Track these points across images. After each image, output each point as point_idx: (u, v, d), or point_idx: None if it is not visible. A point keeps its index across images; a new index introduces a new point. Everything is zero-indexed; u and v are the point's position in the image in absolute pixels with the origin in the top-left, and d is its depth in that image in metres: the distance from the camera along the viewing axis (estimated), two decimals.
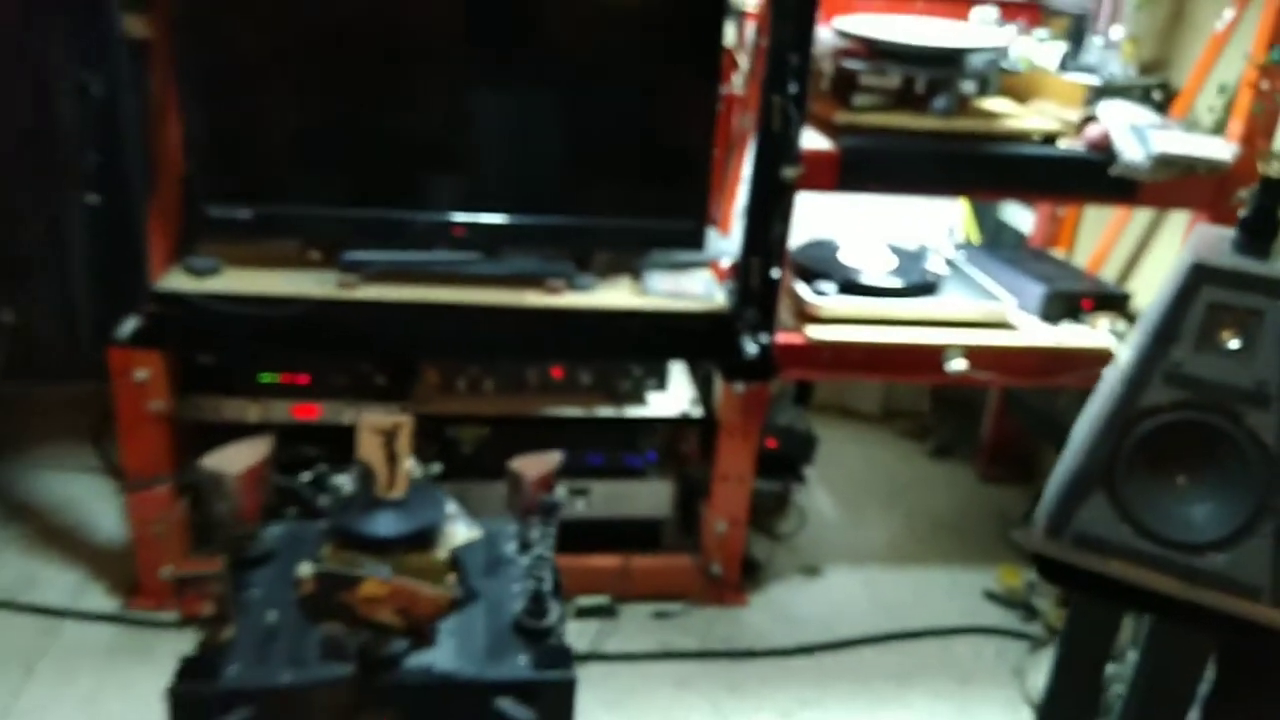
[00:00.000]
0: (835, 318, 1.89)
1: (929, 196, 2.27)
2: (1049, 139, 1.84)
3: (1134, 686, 1.26)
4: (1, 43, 2.28)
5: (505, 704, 1.22)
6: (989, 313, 1.95)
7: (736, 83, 1.99)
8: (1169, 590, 1.11)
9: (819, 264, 2.00)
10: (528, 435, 1.65)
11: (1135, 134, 1.80)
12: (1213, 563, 1.09)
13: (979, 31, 1.97)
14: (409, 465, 1.28)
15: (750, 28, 1.92)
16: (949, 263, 2.11)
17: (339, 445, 1.40)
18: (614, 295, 1.85)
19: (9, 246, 2.46)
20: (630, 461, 2.04)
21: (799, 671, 1.93)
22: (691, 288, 1.89)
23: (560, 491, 1.42)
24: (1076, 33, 2.07)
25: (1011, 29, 2.02)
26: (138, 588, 1.92)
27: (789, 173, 1.68)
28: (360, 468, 1.26)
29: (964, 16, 2.04)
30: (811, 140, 1.77)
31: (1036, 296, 2.01)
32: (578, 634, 1.90)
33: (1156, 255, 2.15)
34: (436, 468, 1.37)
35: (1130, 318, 1.97)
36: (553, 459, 1.41)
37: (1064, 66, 2.03)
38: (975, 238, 2.53)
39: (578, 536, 1.64)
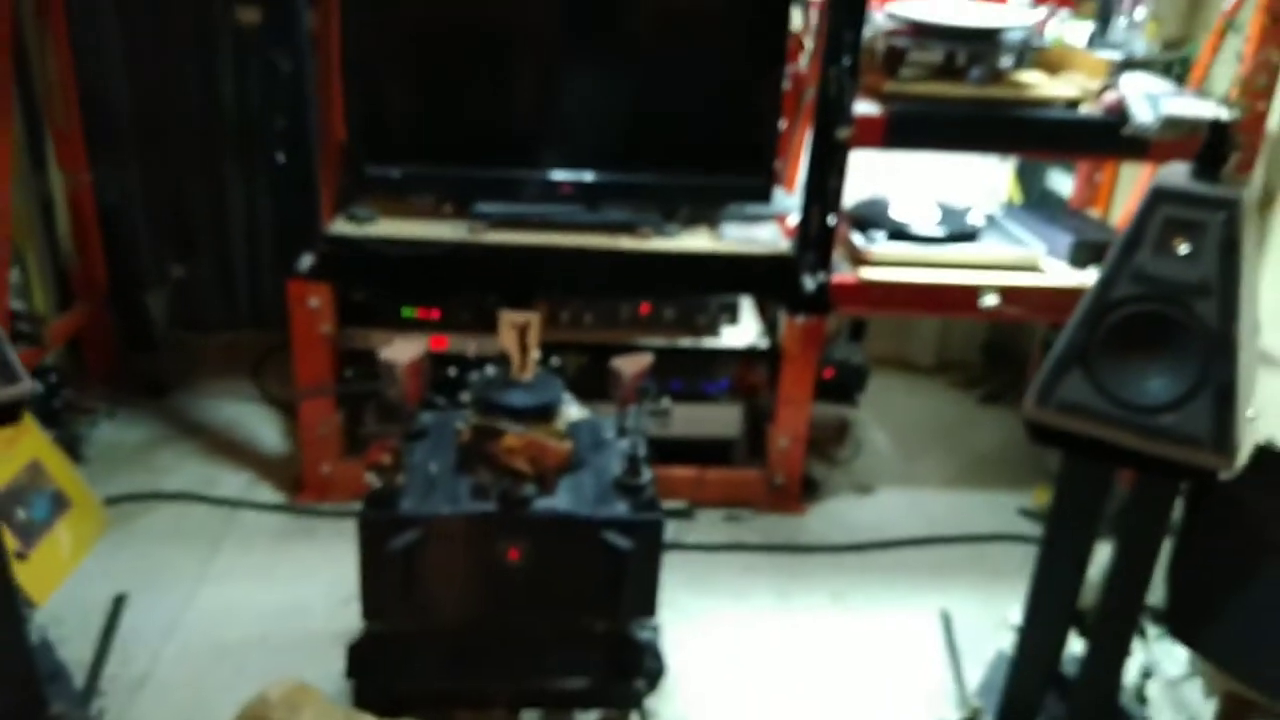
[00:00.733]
0: (884, 261, 2.20)
1: (963, 153, 2.54)
2: (1071, 105, 2.13)
3: (1117, 531, 1.55)
4: (175, 34, 2.71)
5: (611, 535, 1.58)
6: (1021, 257, 2.24)
7: (803, 62, 2.32)
8: (1132, 445, 1.41)
9: (872, 217, 2.32)
10: None
11: (1148, 100, 2.08)
12: (1166, 421, 1.39)
13: (1013, 12, 2.26)
14: (536, 355, 1.64)
15: (814, 14, 2.25)
16: (990, 218, 2.41)
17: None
18: (694, 241, 2.20)
19: (179, 213, 2.90)
20: (706, 387, 2.37)
21: (849, 565, 2.25)
22: (760, 236, 2.23)
23: (651, 391, 1.77)
24: (1104, 13, 2.34)
25: (1044, 10, 2.31)
26: (301, 483, 2.33)
27: (843, 133, 2.00)
28: (499, 355, 1.63)
29: (1002, 0, 2.33)
30: (863, 107, 2.08)
31: (1065, 245, 2.29)
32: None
33: None
34: (556, 360, 1.73)
35: None
36: (646, 358, 1.76)
37: (1091, 43, 2.31)
38: (1018, 199, 2.80)
39: (660, 451, 1.92)
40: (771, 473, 2.37)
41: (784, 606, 2.10)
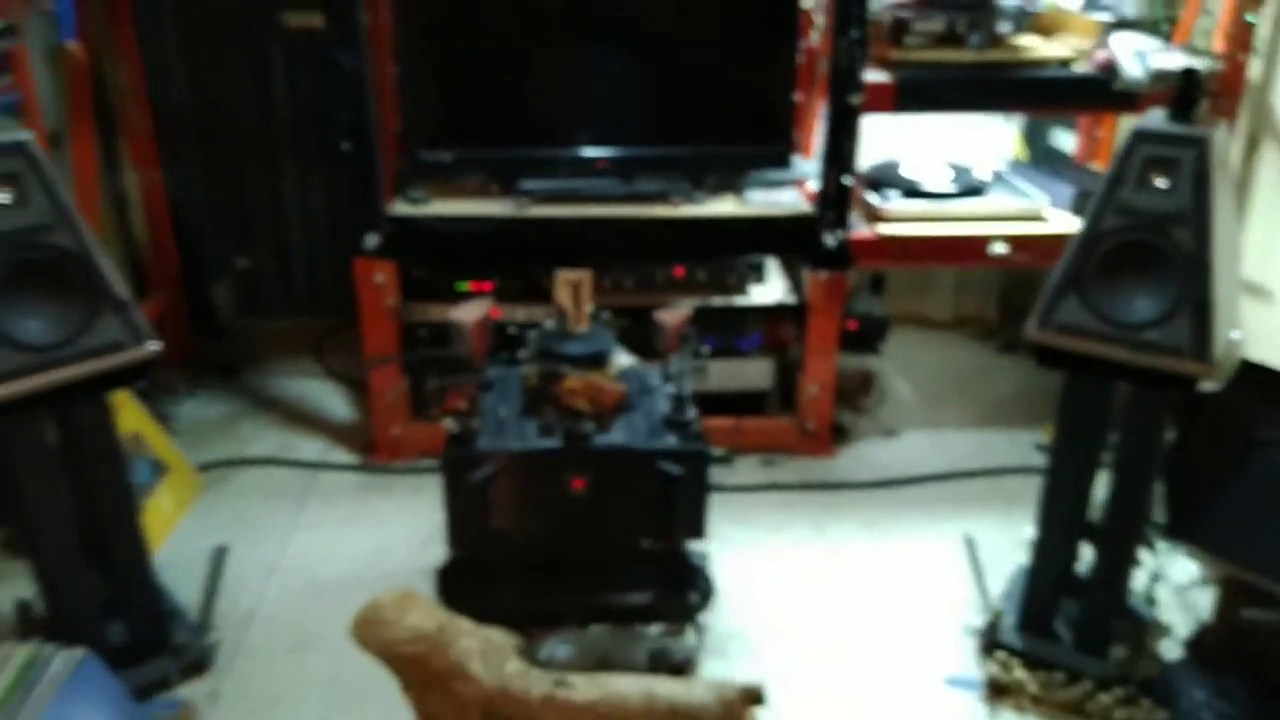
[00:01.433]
0: (898, 217, 2.39)
1: (967, 114, 2.72)
2: (1064, 64, 2.30)
3: (1120, 446, 1.73)
4: (231, 39, 2.93)
5: (665, 464, 1.78)
6: (1026, 208, 2.42)
7: (815, 37, 2.51)
8: (1122, 358, 1.59)
9: (886, 178, 2.50)
10: None
11: (1137, 56, 2.25)
12: (1151, 336, 1.57)
13: None
14: (589, 309, 1.85)
15: None
16: (997, 174, 2.58)
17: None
18: (721, 207, 2.39)
19: (240, 207, 3.13)
20: (739, 343, 2.56)
21: (878, 499, 2.44)
22: (782, 199, 2.42)
23: (691, 339, 1.97)
24: None
25: None
26: (373, 445, 2.55)
27: (854, 99, 2.19)
28: (556, 309, 1.84)
29: None
30: (873, 75, 2.26)
31: (1067, 196, 2.47)
32: None
33: None
34: (606, 314, 1.93)
35: None
36: (686, 310, 1.96)
37: (1084, 7, 2.48)
38: (1024, 157, 2.97)
39: (698, 404, 2.05)
40: (803, 419, 2.57)
41: (819, 536, 2.30)
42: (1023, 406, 2.85)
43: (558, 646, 1.68)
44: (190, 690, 1.84)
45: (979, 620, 1.97)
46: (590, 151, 2.38)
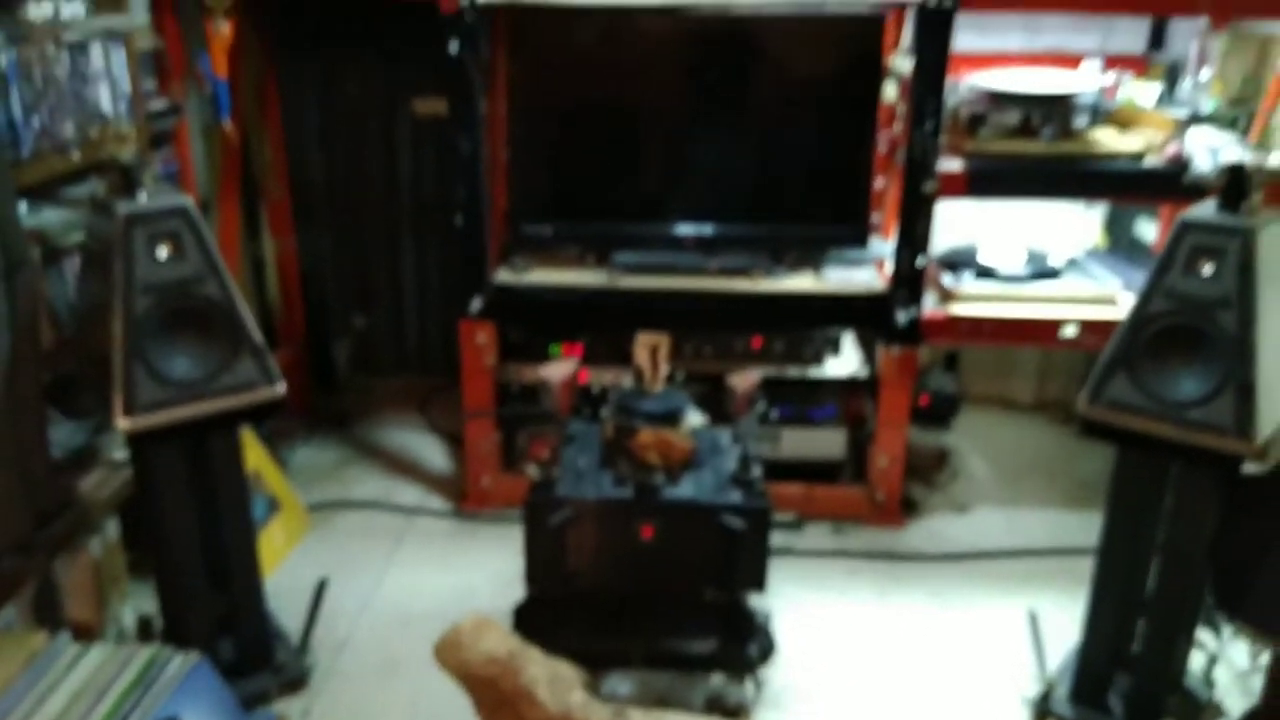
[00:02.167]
0: (970, 297, 2.49)
1: (1036, 201, 2.81)
2: (1136, 157, 2.39)
3: (1170, 523, 1.78)
4: (363, 122, 3.24)
5: (728, 518, 1.90)
6: (1097, 293, 2.49)
7: (896, 127, 2.66)
8: (1167, 435, 1.66)
9: (962, 260, 2.61)
10: None
11: (1210, 151, 2.33)
12: (1197, 414, 1.64)
13: (1083, 78, 2.55)
14: (665, 370, 2.00)
15: (904, 88, 2.59)
16: (1073, 260, 2.66)
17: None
18: (800, 282, 2.54)
19: (362, 272, 3.42)
20: (813, 413, 2.68)
21: (945, 571, 2.50)
22: (858, 277, 2.55)
23: (760, 402, 2.10)
24: (1171, 75, 2.60)
25: (1114, 74, 2.59)
26: (465, 495, 2.74)
27: (928, 186, 2.32)
28: (634, 369, 2.00)
29: (1075, 66, 2.63)
30: (947, 164, 2.39)
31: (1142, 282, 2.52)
32: (773, 539, 2.54)
33: None
34: (681, 375, 2.09)
35: None
36: (755, 374, 2.10)
37: (1160, 103, 2.57)
38: (1105, 246, 3.03)
39: (771, 471, 2.21)
40: (873, 490, 2.65)
41: (884, 602, 2.37)
42: (1100, 490, 2.84)
43: (620, 682, 1.80)
44: (286, 706, 2.02)
45: (1034, 691, 2.01)
46: (680, 228, 2.57)
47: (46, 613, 1.94)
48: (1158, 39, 2.89)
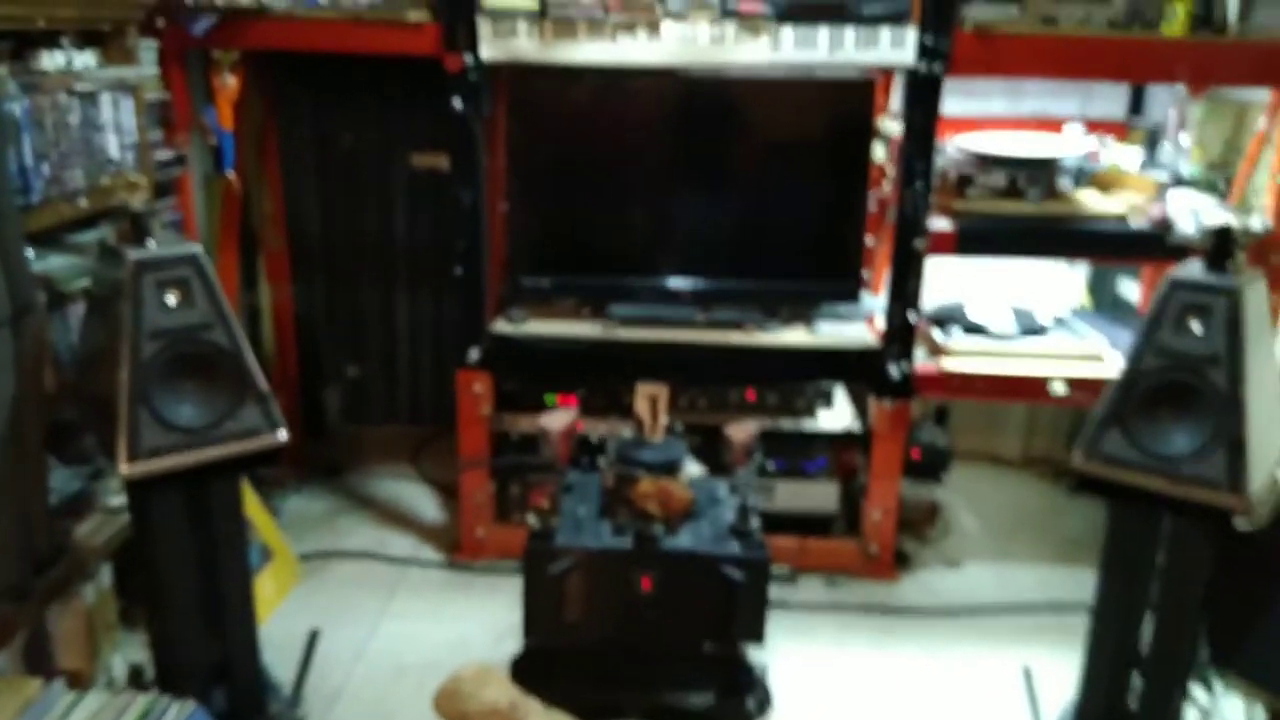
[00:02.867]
0: (960, 352, 2.53)
1: (1022, 259, 2.87)
2: (1119, 219, 2.46)
3: (1163, 578, 1.81)
4: (361, 176, 3.28)
5: (728, 569, 1.91)
6: (1084, 350, 2.54)
7: (886, 187, 2.72)
8: (1161, 489, 1.70)
9: (952, 316, 2.66)
10: None
11: (1191, 213, 2.40)
12: (1188, 469, 1.67)
13: (1067, 142, 2.63)
14: (664, 420, 2.03)
15: (894, 148, 2.66)
16: (1059, 319, 2.72)
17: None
18: (793, 336, 2.58)
19: (355, 322, 3.43)
20: (806, 466, 2.70)
21: (939, 626, 2.50)
22: (850, 332, 2.60)
23: (757, 455, 2.13)
24: (1152, 140, 2.69)
25: (1095, 138, 2.67)
26: (459, 545, 2.73)
27: (919, 244, 2.38)
28: (634, 419, 2.02)
29: (1058, 130, 2.71)
30: (937, 223, 2.45)
31: (1127, 341, 2.57)
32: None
33: None
34: (680, 426, 2.11)
35: None
36: (753, 425, 2.12)
37: (1143, 166, 2.65)
38: (1089, 305, 3.10)
39: (764, 523, 2.16)
40: (867, 543, 2.67)
41: (879, 656, 2.37)
42: (1089, 546, 2.87)
43: None
44: None
45: None
46: (675, 282, 2.61)
47: (38, 661, 1.91)
48: (1136, 104, 2.99)
